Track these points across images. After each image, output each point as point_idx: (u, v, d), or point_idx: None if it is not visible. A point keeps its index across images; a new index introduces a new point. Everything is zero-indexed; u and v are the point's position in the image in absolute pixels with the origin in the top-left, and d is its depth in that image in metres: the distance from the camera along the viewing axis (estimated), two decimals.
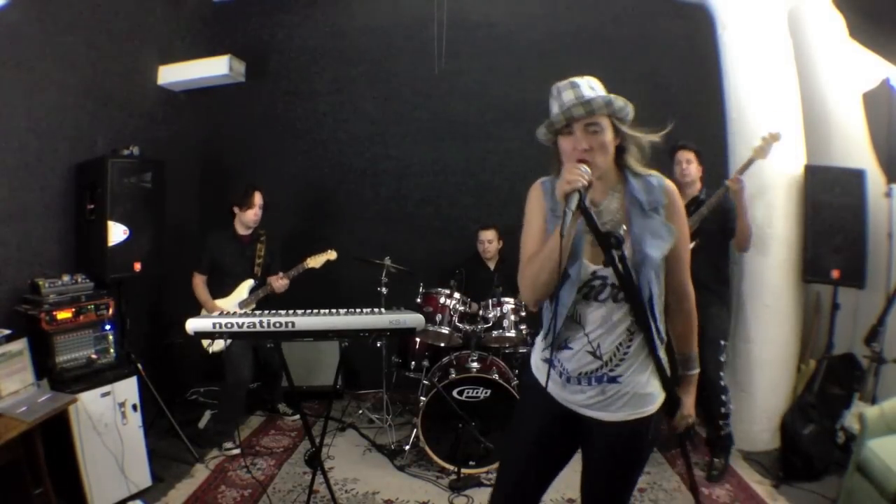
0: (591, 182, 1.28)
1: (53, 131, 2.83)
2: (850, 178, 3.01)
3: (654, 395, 1.40)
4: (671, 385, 1.38)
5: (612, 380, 1.38)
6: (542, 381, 1.46)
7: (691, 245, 2.83)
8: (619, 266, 1.24)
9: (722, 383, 2.91)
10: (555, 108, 1.38)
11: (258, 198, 3.26)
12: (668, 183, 1.43)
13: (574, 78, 1.39)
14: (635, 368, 1.38)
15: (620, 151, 1.41)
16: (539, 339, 1.55)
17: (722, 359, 2.90)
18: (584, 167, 1.28)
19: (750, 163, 2.70)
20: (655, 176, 1.44)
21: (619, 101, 1.35)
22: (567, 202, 1.23)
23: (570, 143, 1.36)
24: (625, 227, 1.37)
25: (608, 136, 1.35)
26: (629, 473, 1.47)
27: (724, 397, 2.91)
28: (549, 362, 1.46)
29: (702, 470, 2.95)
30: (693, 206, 2.89)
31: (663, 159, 3.86)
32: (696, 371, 1.51)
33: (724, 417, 2.92)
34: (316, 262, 3.32)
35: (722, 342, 2.90)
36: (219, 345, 3.19)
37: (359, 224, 4.21)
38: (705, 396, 2.94)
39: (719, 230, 2.88)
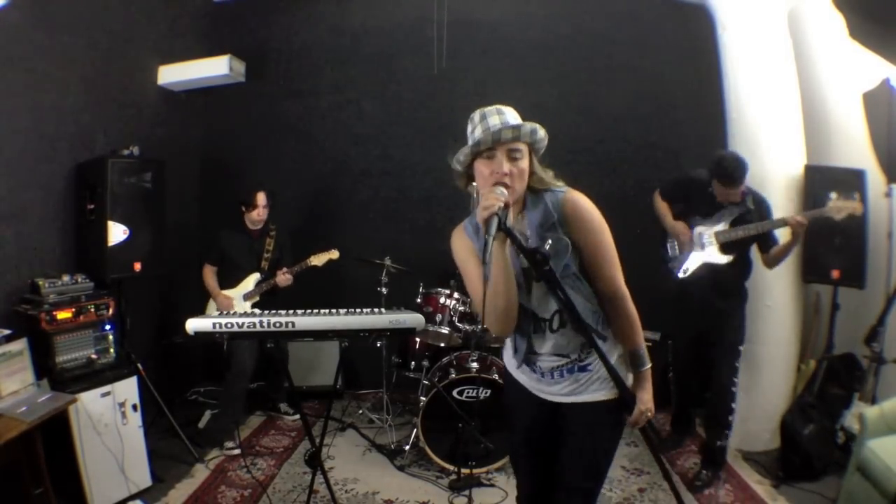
0: (509, 203, 1.30)
1: (53, 131, 2.83)
2: (850, 178, 3.01)
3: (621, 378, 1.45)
4: (622, 383, 1.42)
5: (583, 369, 1.50)
6: (518, 378, 1.63)
7: (726, 259, 2.73)
8: (549, 279, 1.29)
9: (733, 390, 2.81)
10: (477, 132, 1.41)
11: (261, 198, 3.34)
12: (566, 196, 1.45)
13: (499, 105, 1.45)
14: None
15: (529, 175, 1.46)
16: (507, 352, 1.67)
17: (737, 364, 2.82)
18: (500, 189, 1.32)
19: (820, 214, 2.57)
20: (552, 191, 1.46)
21: (542, 132, 1.40)
22: (487, 227, 1.25)
23: (488, 167, 1.38)
24: (550, 241, 1.41)
25: (526, 163, 1.40)
26: (603, 449, 1.55)
27: (733, 405, 2.81)
28: (525, 362, 1.56)
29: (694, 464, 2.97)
30: (735, 210, 2.71)
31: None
32: (647, 367, 1.51)
33: (728, 426, 2.83)
34: (319, 260, 3.40)
35: (740, 348, 2.82)
36: None
37: (359, 224, 4.20)
38: (711, 401, 2.89)
39: (752, 242, 2.74)
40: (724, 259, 2.75)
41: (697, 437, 3.33)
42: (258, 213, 3.33)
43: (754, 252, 2.83)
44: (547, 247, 1.36)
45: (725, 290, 2.80)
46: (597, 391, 1.51)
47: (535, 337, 1.52)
